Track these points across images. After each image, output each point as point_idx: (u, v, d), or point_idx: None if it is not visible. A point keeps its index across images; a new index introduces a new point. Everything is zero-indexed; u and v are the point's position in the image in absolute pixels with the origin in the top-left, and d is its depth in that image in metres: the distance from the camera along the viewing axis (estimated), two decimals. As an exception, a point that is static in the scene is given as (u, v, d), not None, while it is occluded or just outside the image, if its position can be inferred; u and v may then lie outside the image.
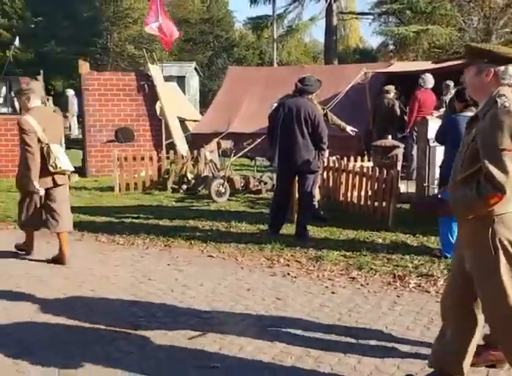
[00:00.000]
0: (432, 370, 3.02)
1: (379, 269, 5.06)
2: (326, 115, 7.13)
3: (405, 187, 8.00)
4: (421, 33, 19.91)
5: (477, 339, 2.91)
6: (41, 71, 10.80)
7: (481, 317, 2.87)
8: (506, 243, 2.62)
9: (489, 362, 3.16)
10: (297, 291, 4.62)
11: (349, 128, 7.50)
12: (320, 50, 36.72)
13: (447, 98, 8.81)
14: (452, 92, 7.78)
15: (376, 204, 6.96)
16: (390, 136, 8.23)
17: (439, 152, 6.40)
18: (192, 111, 16.36)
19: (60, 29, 28.11)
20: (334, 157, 7.82)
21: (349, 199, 7.48)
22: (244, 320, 4.01)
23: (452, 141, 4.86)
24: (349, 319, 3.98)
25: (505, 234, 2.62)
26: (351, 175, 7.43)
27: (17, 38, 12.44)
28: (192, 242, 6.09)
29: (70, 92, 17.99)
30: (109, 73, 12.52)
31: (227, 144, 9.81)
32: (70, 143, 11.03)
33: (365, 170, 7.23)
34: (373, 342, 3.59)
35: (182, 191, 9.07)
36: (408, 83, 10.52)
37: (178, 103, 13.85)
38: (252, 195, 8.70)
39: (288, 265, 5.29)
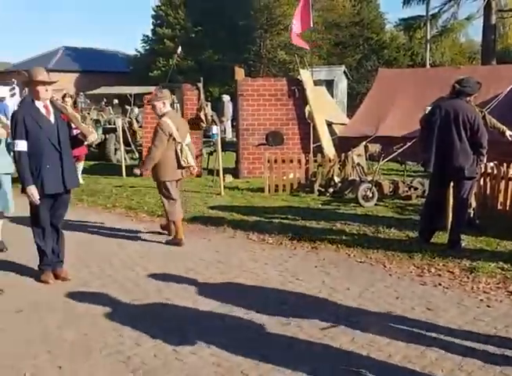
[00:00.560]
0: None
1: (542, 285, 4.69)
2: (484, 118, 6.72)
3: None
4: None
5: None
6: (201, 78, 11.50)
7: None
8: None
9: None
10: (449, 302, 4.45)
11: (508, 133, 6.99)
12: (476, 50, 34.49)
13: None
14: None
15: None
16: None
17: None
18: (340, 115, 16.34)
19: (217, 37, 29.69)
20: (492, 163, 7.37)
21: (508, 207, 6.99)
22: (393, 328, 3.95)
23: None
24: (506, 335, 3.75)
25: None
26: (511, 183, 6.95)
27: (180, 48, 13.39)
28: (339, 245, 6.12)
29: (226, 98, 18.94)
30: (263, 79, 12.98)
31: (375, 148, 9.68)
32: (225, 146, 11.58)
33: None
34: (533, 362, 3.35)
35: (328, 194, 9.12)
36: None
37: (326, 107, 13.94)
38: (401, 201, 8.48)
39: (439, 275, 5.09)
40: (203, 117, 11.19)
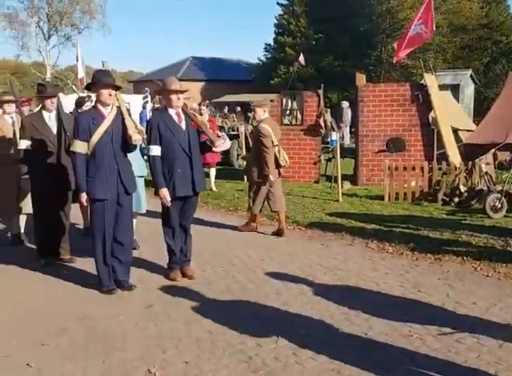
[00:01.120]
0: None
1: None
2: None
3: None
4: None
5: None
6: (322, 85, 11.55)
7: None
8: None
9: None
10: None
11: None
12: None
13: None
14: None
15: None
16: None
17: None
18: (466, 121, 15.54)
19: (338, 44, 29.59)
20: None
21: None
22: (524, 347, 3.72)
23: None
24: None
25: None
26: None
27: (301, 55, 13.54)
28: (465, 258, 5.84)
29: (345, 104, 18.84)
30: (385, 84, 12.72)
31: (505, 156, 9.13)
32: (343, 152, 11.52)
33: None
34: None
35: (453, 204, 8.74)
36: None
37: (451, 113, 13.34)
38: (534, 213, 7.92)
39: None
40: (322, 123, 11.24)
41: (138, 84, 37.64)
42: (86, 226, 6.94)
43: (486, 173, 8.75)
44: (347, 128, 18.94)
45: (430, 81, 11.17)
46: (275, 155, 6.97)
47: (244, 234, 7.19)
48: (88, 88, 5.00)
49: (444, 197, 8.95)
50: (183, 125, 5.19)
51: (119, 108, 4.95)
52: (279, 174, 7.19)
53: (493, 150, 9.45)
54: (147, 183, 6.80)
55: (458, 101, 18.20)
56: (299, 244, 6.70)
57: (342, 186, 9.62)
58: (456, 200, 8.77)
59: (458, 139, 12.52)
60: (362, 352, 3.70)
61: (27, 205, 6.21)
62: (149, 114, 14.83)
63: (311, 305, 4.60)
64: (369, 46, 30.06)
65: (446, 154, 10.52)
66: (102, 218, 4.86)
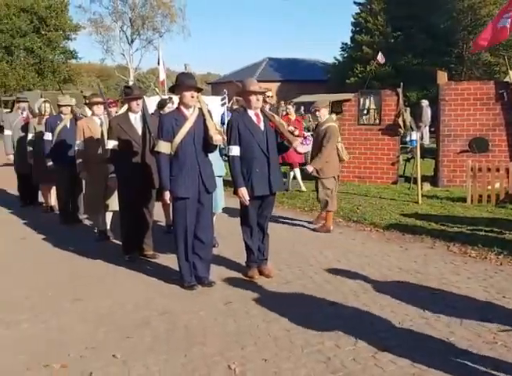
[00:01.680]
0: None
1: None
2: None
3: None
4: None
5: None
6: (401, 84, 11.29)
7: None
8: None
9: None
10: None
11: None
12: None
13: None
14: None
15: None
16: None
17: None
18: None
19: (417, 42, 28.86)
20: None
21: None
22: None
23: None
24: None
25: None
26: None
27: (380, 53, 13.29)
28: (556, 264, 5.55)
29: (425, 103, 18.30)
30: (467, 82, 12.29)
31: None
32: (423, 153, 11.20)
33: None
34: None
35: (541, 207, 8.30)
36: None
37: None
38: None
39: None
40: (401, 122, 11.00)
41: (216, 86, 38.43)
42: (168, 224, 7.19)
43: None
44: (427, 127, 18.39)
45: (517, 78, 10.65)
46: (337, 151, 7.32)
47: (320, 234, 7.18)
48: (172, 90, 5.17)
49: (531, 200, 8.53)
50: (262, 126, 5.27)
51: (200, 109, 5.10)
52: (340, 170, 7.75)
53: None
54: (225, 183, 6.94)
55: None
56: (376, 246, 6.61)
57: (422, 188, 9.37)
58: (545, 203, 8.33)
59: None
60: (444, 358, 3.61)
61: (114, 203, 6.50)
62: (226, 116, 15.09)
63: (391, 307, 4.53)
64: (450, 44, 29.13)
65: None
66: (184, 216, 5.01)
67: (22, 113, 9.67)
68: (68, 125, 7.93)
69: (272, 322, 4.31)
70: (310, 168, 7.25)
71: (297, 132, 10.00)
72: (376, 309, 4.50)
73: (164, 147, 4.95)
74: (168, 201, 5.06)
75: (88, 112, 8.09)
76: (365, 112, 11.33)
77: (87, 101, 7.46)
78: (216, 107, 14.47)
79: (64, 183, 7.97)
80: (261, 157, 5.22)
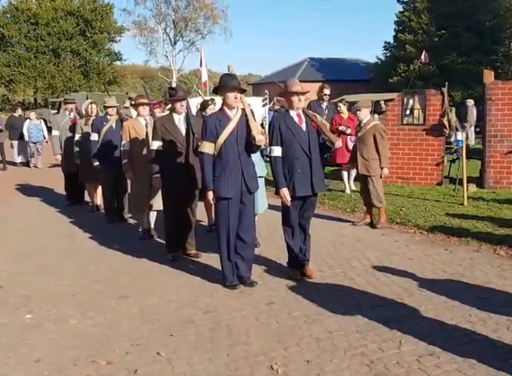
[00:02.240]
0: None
1: None
2: None
3: None
4: None
5: None
6: (446, 83, 11.05)
7: None
8: None
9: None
10: None
11: None
12: None
13: None
14: None
15: None
16: None
17: None
18: None
19: (462, 40, 28.22)
20: None
21: None
22: None
23: None
24: None
25: None
26: None
27: (424, 52, 13.05)
28: None
29: (470, 102, 17.88)
30: (515, 81, 11.91)
31: None
32: (468, 153, 10.94)
33: None
34: None
35: None
36: None
37: None
38: None
39: None
40: (446, 123, 10.77)
41: (257, 87, 38.52)
42: (210, 224, 7.26)
43: None
44: (472, 127, 17.94)
45: None
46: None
47: (362, 236, 7.10)
48: (216, 91, 5.22)
49: None
50: (304, 126, 5.26)
51: (243, 110, 5.13)
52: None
53: None
54: (266, 183, 6.95)
55: None
56: (420, 248, 6.50)
57: (467, 189, 9.16)
58: None
59: None
60: (493, 365, 3.52)
61: (158, 202, 6.61)
62: (267, 116, 15.11)
63: (435, 312, 4.45)
64: (496, 42, 28.40)
65: None
66: (226, 216, 5.05)
67: (69, 115, 9.95)
68: (114, 126, 8.11)
69: (314, 323, 4.30)
70: (386, 171, 7.63)
71: (349, 131, 9.96)
72: (420, 313, 4.43)
73: (207, 148, 5.00)
74: (212, 201, 5.11)
75: (133, 113, 8.25)
76: (408, 112, 11.14)
77: (132, 102, 7.61)
78: (257, 108, 14.55)
79: (110, 183, 8.15)
80: (303, 158, 5.21)
